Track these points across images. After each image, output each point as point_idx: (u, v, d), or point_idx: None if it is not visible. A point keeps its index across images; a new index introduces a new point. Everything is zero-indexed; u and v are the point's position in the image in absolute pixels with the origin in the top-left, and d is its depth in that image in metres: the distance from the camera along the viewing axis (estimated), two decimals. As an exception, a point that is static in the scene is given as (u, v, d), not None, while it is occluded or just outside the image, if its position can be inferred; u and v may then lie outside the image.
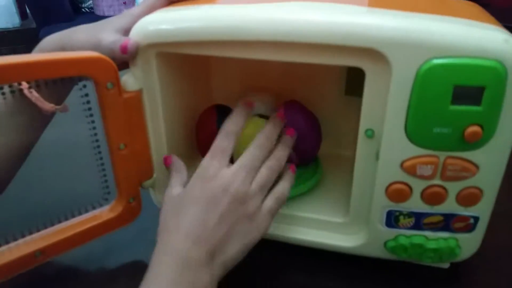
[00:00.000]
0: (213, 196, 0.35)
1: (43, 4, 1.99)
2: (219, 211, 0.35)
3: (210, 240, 0.34)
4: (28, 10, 2.32)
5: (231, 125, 0.39)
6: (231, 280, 0.36)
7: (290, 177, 0.41)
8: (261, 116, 0.45)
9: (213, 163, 0.37)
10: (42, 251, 0.38)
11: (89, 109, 0.38)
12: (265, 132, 0.40)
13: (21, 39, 2.30)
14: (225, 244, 0.35)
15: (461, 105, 0.32)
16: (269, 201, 0.38)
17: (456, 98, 0.32)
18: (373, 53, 0.32)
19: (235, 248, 0.35)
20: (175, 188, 0.39)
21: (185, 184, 0.39)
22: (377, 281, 0.42)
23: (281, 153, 0.40)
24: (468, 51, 0.31)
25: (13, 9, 2.36)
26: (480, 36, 0.31)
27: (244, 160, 0.38)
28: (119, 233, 0.42)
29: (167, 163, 0.42)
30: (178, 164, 0.42)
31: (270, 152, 0.40)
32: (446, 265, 0.42)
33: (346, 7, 0.35)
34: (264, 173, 0.38)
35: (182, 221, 0.35)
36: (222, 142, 0.38)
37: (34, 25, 2.18)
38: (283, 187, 0.40)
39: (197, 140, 0.49)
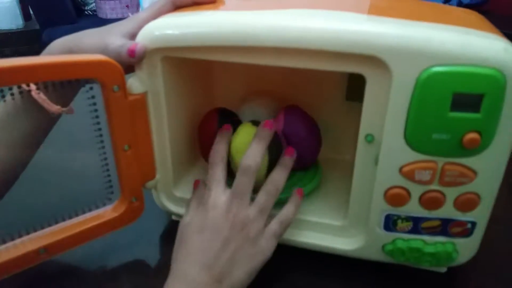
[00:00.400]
0: (215, 224, 0.38)
1: (47, 6, 2.00)
2: (221, 237, 0.37)
3: (216, 265, 0.36)
4: (31, 12, 2.33)
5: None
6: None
7: (296, 201, 0.42)
8: (255, 123, 0.45)
9: (209, 193, 0.40)
10: (46, 249, 0.39)
11: (95, 110, 0.39)
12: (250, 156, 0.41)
13: (24, 40, 2.32)
14: (231, 268, 0.37)
15: (460, 112, 0.33)
16: (274, 225, 0.40)
17: (455, 105, 0.33)
18: (374, 60, 0.33)
19: (241, 272, 0.37)
20: (188, 215, 0.41)
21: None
22: (374, 283, 0.43)
23: (278, 176, 0.41)
24: (468, 59, 0.31)
25: (16, 10, 2.38)
26: (479, 44, 0.32)
27: (236, 187, 0.39)
28: (121, 232, 0.43)
29: (195, 186, 0.44)
30: (202, 190, 0.43)
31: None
32: (443, 269, 0.43)
33: (348, 15, 0.36)
34: (262, 198, 0.40)
35: (189, 249, 0.38)
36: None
37: (37, 26, 2.20)
38: (288, 211, 0.41)
39: (199, 143, 0.50)
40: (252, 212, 0.39)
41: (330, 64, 0.35)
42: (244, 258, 0.37)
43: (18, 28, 2.40)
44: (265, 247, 0.39)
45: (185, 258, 0.37)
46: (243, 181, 0.39)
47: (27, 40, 2.28)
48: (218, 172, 0.41)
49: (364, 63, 0.34)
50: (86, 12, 2.27)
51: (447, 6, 0.45)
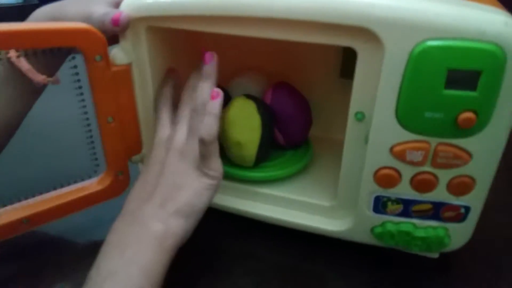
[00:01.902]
0: (154, 156, 0.38)
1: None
2: (158, 165, 0.38)
3: (155, 192, 0.36)
4: (33, -15, 2.31)
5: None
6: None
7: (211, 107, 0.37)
8: (249, 96, 0.44)
9: (155, 135, 0.40)
10: (29, 219, 0.38)
11: (78, 80, 0.38)
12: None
13: (23, 15, 2.29)
14: (172, 193, 0.36)
15: (455, 90, 0.31)
16: (200, 129, 0.36)
17: (450, 82, 0.30)
18: (365, 33, 0.31)
19: (187, 194, 0.36)
20: None
21: None
22: (363, 267, 0.42)
23: (204, 90, 0.38)
24: (465, 33, 0.29)
25: (18, -16, 2.36)
26: (478, 17, 0.29)
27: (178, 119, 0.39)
28: (105, 207, 0.42)
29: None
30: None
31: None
32: (435, 255, 0.42)
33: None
34: (191, 119, 0.38)
35: (133, 187, 0.38)
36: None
37: (36, 1, 2.17)
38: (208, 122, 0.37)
39: None
40: (182, 134, 0.38)
41: (320, 36, 0.33)
42: (185, 180, 0.36)
43: (17, 3, 2.37)
44: (195, 149, 0.37)
45: (128, 196, 0.38)
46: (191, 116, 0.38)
47: (26, 15, 2.26)
48: (163, 115, 0.40)
49: (355, 36, 0.32)
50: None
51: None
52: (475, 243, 0.39)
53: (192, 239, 0.36)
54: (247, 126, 0.42)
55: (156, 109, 0.42)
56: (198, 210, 0.36)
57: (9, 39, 0.33)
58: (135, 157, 0.43)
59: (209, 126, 0.36)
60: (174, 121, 0.40)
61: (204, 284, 0.39)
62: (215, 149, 0.37)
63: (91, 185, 0.42)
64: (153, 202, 0.36)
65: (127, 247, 0.33)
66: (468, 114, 0.31)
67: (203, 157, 0.36)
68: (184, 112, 0.39)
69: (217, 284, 0.39)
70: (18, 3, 2.37)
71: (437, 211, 0.37)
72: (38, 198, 0.40)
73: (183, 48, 0.47)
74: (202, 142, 0.36)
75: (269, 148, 0.45)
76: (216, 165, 0.37)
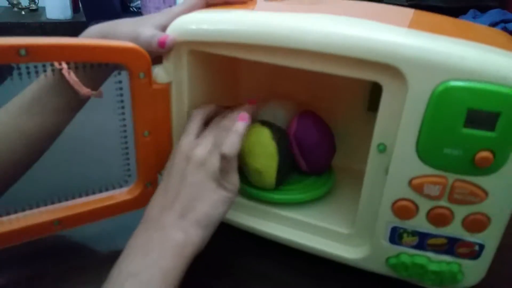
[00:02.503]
0: (176, 165, 0.40)
1: (95, 0, 2.09)
2: (179, 175, 0.39)
3: (176, 202, 0.38)
4: (80, 5, 2.44)
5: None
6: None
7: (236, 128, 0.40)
8: (264, 123, 0.46)
9: (179, 142, 0.41)
10: (60, 221, 0.41)
11: (121, 95, 0.41)
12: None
13: (71, 31, 2.42)
14: (193, 203, 0.38)
15: (474, 129, 0.32)
16: (226, 144, 0.39)
17: (469, 121, 0.32)
18: (391, 69, 0.33)
19: (205, 205, 0.38)
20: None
21: None
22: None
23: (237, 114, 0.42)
24: (486, 76, 0.31)
25: (67, 2, 2.50)
26: (499, 62, 0.32)
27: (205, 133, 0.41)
28: (132, 216, 0.44)
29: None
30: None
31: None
32: (448, 291, 0.42)
33: (371, 24, 0.36)
34: (216, 133, 0.41)
35: (155, 195, 0.40)
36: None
37: (84, 19, 2.29)
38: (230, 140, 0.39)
39: None
40: (206, 146, 0.40)
41: (349, 70, 0.35)
42: (205, 192, 0.38)
43: (66, 19, 2.51)
44: (215, 163, 0.39)
45: (150, 203, 0.40)
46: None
47: (74, 31, 2.37)
48: (192, 125, 0.42)
49: (381, 72, 0.34)
50: (131, 8, 2.35)
51: (478, 25, 0.45)
52: (491, 282, 0.39)
53: (205, 255, 0.38)
54: (263, 153, 0.44)
55: (188, 118, 0.44)
56: (215, 221, 0.38)
57: (64, 52, 0.36)
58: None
59: (232, 143, 0.39)
60: (200, 135, 0.42)
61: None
62: (234, 164, 0.39)
63: (121, 194, 0.44)
64: (174, 211, 0.38)
65: (150, 251, 0.35)
66: (486, 154, 0.33)
67: (223, 172, 0.39)
68: (211, 129, 0.42)
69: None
70: (67, 19, 2.51)
71: (451, 246, 0.38)
72: (70, 202, 0.43)
73: (220, 71, 0.50)
74: (224, 157, 0.38)
75: (289, 171, 0.47)
76: (234, 179, 0.39)
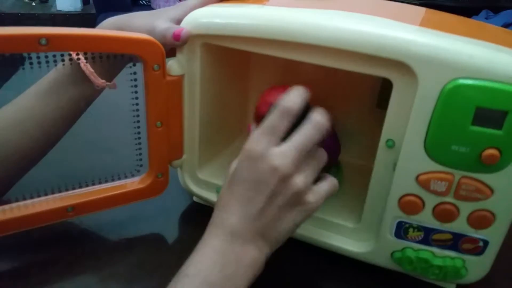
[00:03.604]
0: (261, 177, 0.35)
1: (106, -8, 2.11)
2: (268, 192, 0.34)
3: (260, 219, 0.35)
4: (90, -3, 2.46)
5: (289, 103, 0.36)
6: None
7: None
8: None
9: (262, 140, 0.35)
10: (73, 207, 0.42)
11: (135, 86, 0.42)
12: (313, 122, 0.36)
13: (81, 23, 2.45)
14: (275, 223, 0.35)
15: (482, 127, 0.33)
16: (325, 185, 0.38)
17: (477, 119, 0.33)
18: (402, 66, 0.34)
19: (286, 227, 0.36)
20: (238, 161, 0.37)
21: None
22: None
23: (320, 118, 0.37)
24: (494, 75, 0.32)
25: (77, -6, 2.52)
26: (508, 62, 0.32)
27: (296, 140, 0.35)
28: (143, 205, 0.46)
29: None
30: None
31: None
32: (452, 286, 0.43)
33: (384, 21, 0.37)
34: (316, 156, 0.37)
35: (233, 199, 0.36)
36: (276, 120, 0.35)
37: (93, 11, 2.31)
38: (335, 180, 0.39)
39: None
40: (303, 168, 0.36)
41: (360, 66, 0.36)
42: (289, 213, 0.35)
43: (76, 11, 2.54)
44: (312, 204, 0.36)
45: (227, 206, 0.36)
46: (307, 135, 0.35)
47: (83, 23, 2.41)
48: (281, 122, 0.35)
49: (392, 69, 0.35)
50: (140, 1, 2.36)
51: (490, 25, 0.45)
52: (494, 279, 0.40)
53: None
54: None
55: (279, 106, 0.36)
56: (285, 239, 0.37)
57: (83, 42, 0.37)
58: (176, 162, 0.47)
59: (321, 195, 0.37)
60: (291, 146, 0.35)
61: None
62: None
63: (133, 183, 0.45)
64: (255, 229, 0.35)
65: (227, 264, 0.34)
66: (492, 151, 0.34)
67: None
68: (305, 143, 0.36)
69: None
70: (77, 11, 2.53)
71: (456, 242, 0.39)
72: (84, 189, 0.44)
73: (232, 65, 0.51)
74: (329, 186, 0.38)
75: None
76: (321, 202, 0.37)
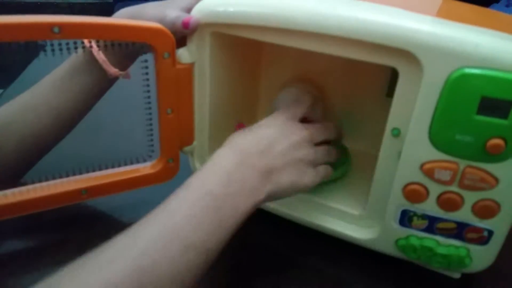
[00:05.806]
0: (293, 130, 0.41)
1: (123, -19, 2.12)
2: (290, 141, 0.39)
3: (272, 159, 0.37)
4: (108, -14, 2.48)
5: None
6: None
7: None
8: None
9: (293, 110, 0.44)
10: (87, 190, 0.43)
11: (146, 73, 0.43)
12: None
13: (97, 12, 2.47)
14: (282, 170, 0.38)
15: (487, 116, 0.33)
16: (323, 169, 0.43)
17: (482, 109, 0.33)
18: (408, 55, 0.34)
19: (288, 179, 0.38)
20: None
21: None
22: (387, 277, 0.44)
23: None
24: (501, 64, 0.32)
25: (96, -17, 2.54)
26: (514, 51, 0.32)
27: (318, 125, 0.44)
28: (154, 190, 0.47)
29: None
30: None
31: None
32: (457, 275, 0.43)
33: (392, 10, 0.36)
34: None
35: (256, 133, 0.39)
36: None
37: (111, 0, 2.33)
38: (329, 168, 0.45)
39: None
40: (320, 134, 0.43)
41: (367, 55, 0.36)
42: (294, 171, 0.39)
43: (93, 0, 2.56)
44: (312, 177, 0.41)
45: (244, 136, 0.39)
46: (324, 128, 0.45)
47: (100, 12, 2.42)
48: (301, 108, 0.45)
49: (398, 58, 0.35)
50: (159, -9, 2.37)
51: (506, 15, 0.44)
52: (499, 268, 0.40)
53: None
54: None
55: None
56: (285, 195, 0.39)
57: (94, 30, 0.39)
58: (187, 148, 0.48)
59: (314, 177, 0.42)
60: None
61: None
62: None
63: (145, 168, 0.47)
64: (265, 164, 0.37)
65: (233, 182, 0.35)
66: (497, 141, 0.33)
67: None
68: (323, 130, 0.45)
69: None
70: (94, 0, 2.56)
71: (460, 231, 0.39)
72: (98, 173, 0.45)
73: (242, 54, 0.51)
74: (325, 172, 0.44)
75: None
76: (316, 181, 0.42)
